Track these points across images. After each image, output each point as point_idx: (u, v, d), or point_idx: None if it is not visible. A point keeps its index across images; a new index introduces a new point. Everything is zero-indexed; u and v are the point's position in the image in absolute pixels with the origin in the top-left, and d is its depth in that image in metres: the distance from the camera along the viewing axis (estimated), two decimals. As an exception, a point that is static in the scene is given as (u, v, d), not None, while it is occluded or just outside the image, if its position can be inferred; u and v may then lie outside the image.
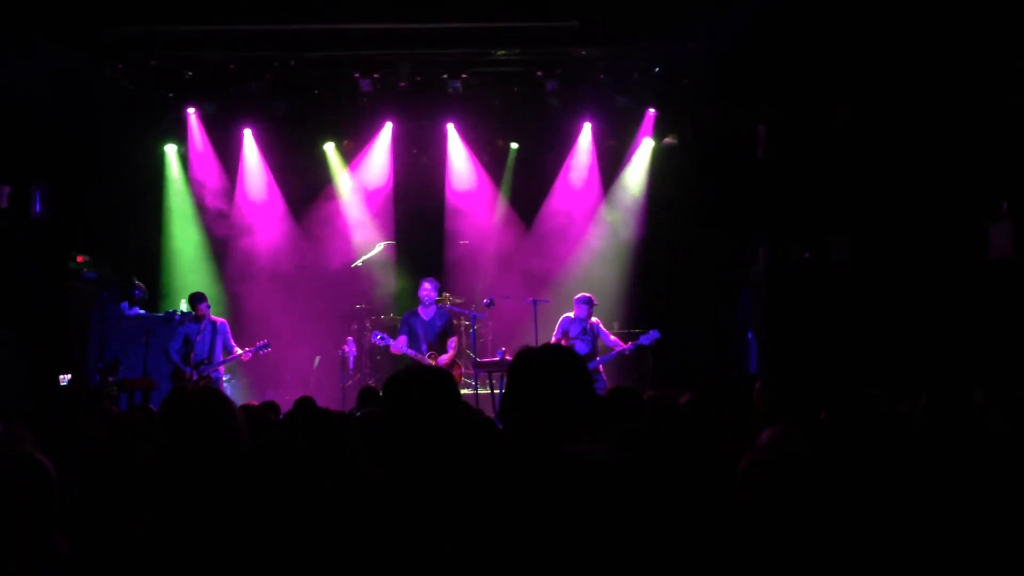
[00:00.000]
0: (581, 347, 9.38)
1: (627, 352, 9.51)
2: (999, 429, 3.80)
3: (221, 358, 9.63)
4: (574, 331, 9.46)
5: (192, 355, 9.55)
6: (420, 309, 9.71)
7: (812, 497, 2.69)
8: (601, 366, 9.47)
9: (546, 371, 2.58)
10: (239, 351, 9.67)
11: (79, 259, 10.47)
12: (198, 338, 9.59)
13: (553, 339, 9.43)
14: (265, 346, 9.75)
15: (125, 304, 10.93)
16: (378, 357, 11.67)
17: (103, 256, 10.99)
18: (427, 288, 9.72)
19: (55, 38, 9.65)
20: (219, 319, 9.86)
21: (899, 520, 2.61)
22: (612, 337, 9.63)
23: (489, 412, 7.33)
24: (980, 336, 8.42)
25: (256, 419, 5.20)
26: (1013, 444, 3.29)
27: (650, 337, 9.45)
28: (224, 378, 9.99)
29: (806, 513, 2.65)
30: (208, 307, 9.74)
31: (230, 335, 9.80)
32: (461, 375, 10.56)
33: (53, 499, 2.42)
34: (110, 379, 9.45)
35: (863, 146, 9.72)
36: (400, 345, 9.47)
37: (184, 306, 10.42)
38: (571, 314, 9.56)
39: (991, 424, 3.87)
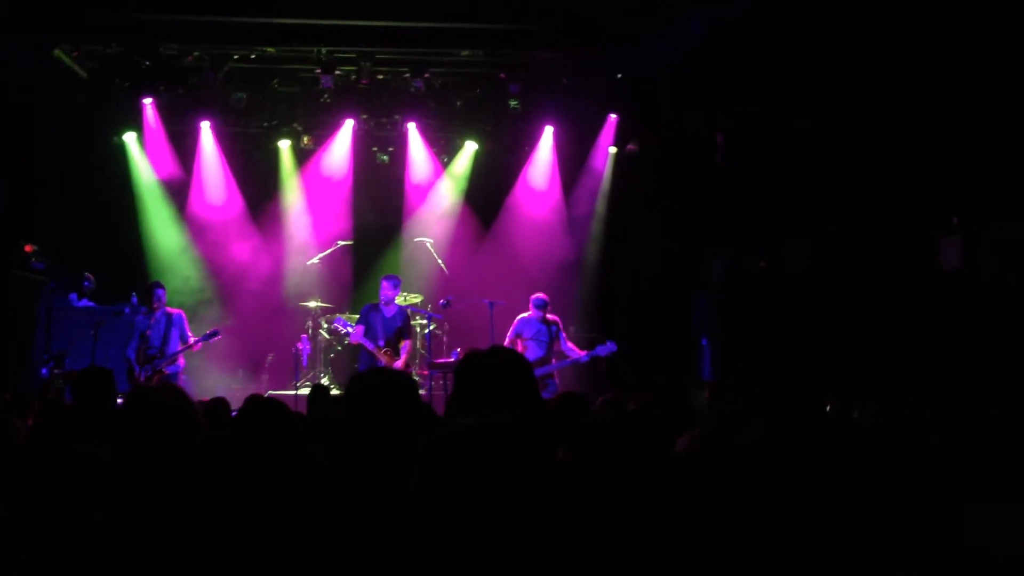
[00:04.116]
0: (535, 349, 9.31)
1: (583, 361, 9.45)
2: (938, 439, 3.86)
3: (178, 348, 9.40)
4: (528, 332, 9.39)
5: (145, 350, 9.34)
6: (381, 305, 9.64)
7: (760, 499, 2.71)
8: (556, 372, 9.44)
9: (491, 374, 2.57)
10: (193, 339, 9.48)
11: (27, 248, 10.24)
12: (150, 332, 9.38)
13: (507, 340, 9.35)
14: (214, 334, 9.54)
15: (74, 295, 10.72)
16: (332, 355, 11.57)
17: (52, 246, 10.76)
18: (387, 287, 9.64)
19: (8, 19, 9.45)
20: (175, 310, 9.64)
21: (844, 526, 2.63)
22: (569, 343, 9.60)
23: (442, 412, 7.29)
24: (929, 345, 8.57)
25: (206, 416, 5.13)
26: (955, 455, 3.34)
27: (607, 349, 9.35)
28: (180, 371, 9.71)
29: (756, 514, 2.66)
30: (162, 296, 9.51)
31: (187, 326, 9.56)
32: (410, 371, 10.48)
33: None
34: (56, 371, 9.25)
35: (821, 155, 9.85)
36: (358, 335, 9.41)
37: (135, 298, 10.24)
38: (526, 314, 9.53)
39: (932, 434, 3.93)
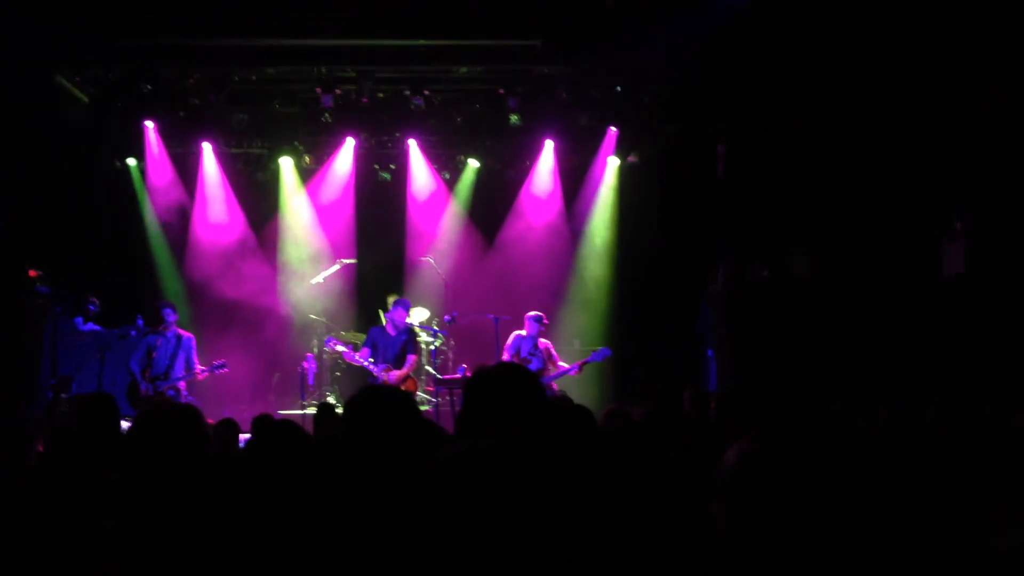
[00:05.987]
0: (534, 364, 9.44)
1: (574, 373, 9.59)
2: (952, 443, 3.86)
3: (181, 374, 9.40)
4: (525, 349, 9.53)
5: (150, 368, 9.33)
6: (388, 327, 9.67)
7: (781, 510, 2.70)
8: (554, 383, 9.51)
9: (500, 391, 2.59)
10: (199, 368, 9.46)
11: (32, 274, 10.26)
12: (157, 351, 9.36)
13: (505, 357, 9.50)
14: (221, 366, 9.49)
15: (79, 319, 10.73)
16: (338, 373, 11.58)
17: (57, 271, 10.78)
18: (403, 313, 9.68)
19: (9, 46, 9.52)
20: (186, 333, 9.59)
21: (855, 533, 2.63)
22: (561, 363, 9.70)
23: (451, 429, 7.29)
24: (934, 350, 8.57)
25: (215, 437, 5.14)
26: (965, 458, 3.35)
27: (601, 354, 9.63)
28: (182, 396, 9.73)
29: (776, 526, 2.66)
30: (173, 317, 9.49)
31: (195, 351, 9.53)
32: (416, 387, 10.47)
33: None
34: (63, 396, 9.26)
35: (821, 163, 9.86)
36: (352, 356, 9.55)
37: (141, 320, 10.26)
38: (522, 332, 9.60)
39: (945, 438, 3.93)
